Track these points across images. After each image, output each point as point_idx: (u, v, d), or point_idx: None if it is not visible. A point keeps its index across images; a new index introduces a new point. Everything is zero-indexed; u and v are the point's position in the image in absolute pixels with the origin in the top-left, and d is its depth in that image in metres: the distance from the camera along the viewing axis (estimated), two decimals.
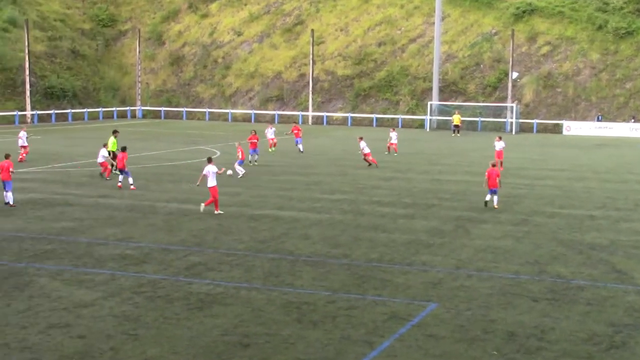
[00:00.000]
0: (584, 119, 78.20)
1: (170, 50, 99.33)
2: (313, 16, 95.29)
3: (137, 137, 64.64)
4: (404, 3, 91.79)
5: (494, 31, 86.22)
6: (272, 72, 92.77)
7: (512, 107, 78.34)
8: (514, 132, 76.42)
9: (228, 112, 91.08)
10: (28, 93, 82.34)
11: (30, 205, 31.01)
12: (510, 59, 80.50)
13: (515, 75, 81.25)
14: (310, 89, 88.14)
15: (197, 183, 31.43)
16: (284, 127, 68.76)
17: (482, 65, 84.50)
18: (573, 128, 76.56)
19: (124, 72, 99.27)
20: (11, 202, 30.62)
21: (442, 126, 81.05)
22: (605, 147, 62.64)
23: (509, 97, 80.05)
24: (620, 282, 20.53)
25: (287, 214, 29.80)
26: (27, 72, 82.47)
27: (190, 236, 25.54)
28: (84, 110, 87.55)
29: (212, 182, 29.53)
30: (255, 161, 46.08)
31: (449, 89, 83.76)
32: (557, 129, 77.85)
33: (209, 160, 30.28)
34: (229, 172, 40.37)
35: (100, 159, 39.45)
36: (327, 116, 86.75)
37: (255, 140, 46.07)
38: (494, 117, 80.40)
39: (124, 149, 36.58)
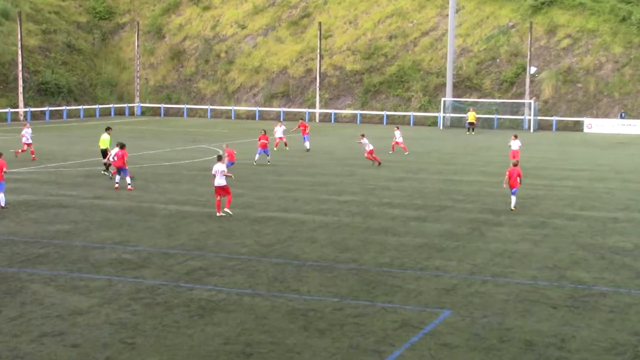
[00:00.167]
0: (605, 116, 78.02)
1: (171, 44, 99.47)
2: (320, 8, 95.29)
3: (136, 135, 64.72)
4: None
5: (511, 24, 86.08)
6: (278, 67, 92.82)
7: (530, 103, 78.22)
8: (532, 130, 76.31)
9: (231, 109, 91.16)
10: (21, 89, 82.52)
11: (22, 207, 31.05)
12: (528, 53, 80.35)
13: (533, 70, 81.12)
14: (318, 84, 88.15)
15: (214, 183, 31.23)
16: (289, 125, 68.73)
17: (498, 60, 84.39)
18: (594, 126, 76.38)
19: (122, 68, 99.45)
20: (3, 204, 30.65)
21: (456, 124, 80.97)
22: (629, 146, 62.47)
23: (527, 93, 79.92)
24: None
25: (292, 216, 29.77)
26: (20, 67, 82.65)
27: (191, 240, 25.53)
28: (80, 107, 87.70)
29: (219, 180, 29.51)
30: (268, 161, 46.28)
31: (463, 85, 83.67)
32: (577, 126, 77.69)
33: (219, 159, 30.25)
34: None
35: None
36: (335, 113, 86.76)
37: (265, 141, 46.31)
38: (511, 114, 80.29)
39: (122, 146, 36.57)
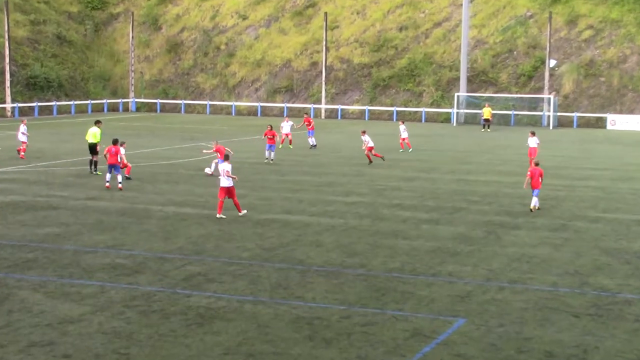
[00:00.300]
0: (630, 111, 77.88)
1: (167, 36, 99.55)
2: None
3: (130, 132, 64.77)
4: None
5: (529, 14, 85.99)
6: (281, 60, 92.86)
7: (549, 99, 78.12)
8: (551, 127, 76.23)
9: (231, 105, 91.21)
10: (8, 83, 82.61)
11: (10, 209, 31.08)
12: (548, 45, 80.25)
13: (553, 63, 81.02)
14: (324, 79, 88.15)
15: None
16: (295, 120, 68.65)
17: (515, 52, 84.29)
18: (618, 122, 76.26)
19: (116, 61, 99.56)
20: None
21: (470, 120, 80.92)
22: None
23: (546, 87, 79.82)
24: None
25: (296, 219, 29.76)
26: (7, 59, 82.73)
27: (189, 243, 25.52)
28: (71, 102, 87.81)
29: (224, 181, 29.52)
30: (272, 159, 46.40)
31: (478, 79, 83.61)
32: (600, 123, 77.59)
33: (226, 158, 30.23)
34: (207, 170, 40.93)
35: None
36: (341, 109, 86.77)
37: (272, 136, 46.59)
38: (529, 110, 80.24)
39: (115, 142, 36.60)
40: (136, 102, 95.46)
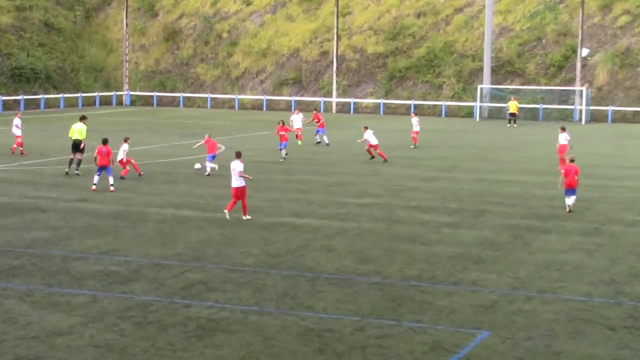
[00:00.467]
0: None
1: (165, 23, 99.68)
2: None
3: (124, 128, 64.85)
4: None
5: None
6: (288, 49, 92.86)
7: (581, 91, 77.95)
8: (583, 122, 76.08)
9: (234, 98, 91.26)
10: None
11: None
12: (580, 33, 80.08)
13: (585, 52, 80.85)
14: (335, 69, 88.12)
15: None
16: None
17: (544, 41, 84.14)
18: None
19: (109, 50, 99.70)
20: None
21: (494, 115, 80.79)
22: None
23: (578, 79, 79.65)
24: None
25: (305, 222, 29.76)
26: None
27: (188, 249, 25.54)
28: (60, 95, 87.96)
29: (235, 181, 29.57)
30: (283, 157, 46.80)
31: (503, 70, 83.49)
32: (637, 117, 77.40)
33: (237, 155, 30.24)
34: (197, 165, 41.10)
35: (121, 155, 39.70)
36: (354, 103, 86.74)
37: (284, 132, 47.08)
38: (559, 103, 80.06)
39: (105, 142, 36.63)
40: (131, 95, 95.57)
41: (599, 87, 80.00)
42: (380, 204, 33.61)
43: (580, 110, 77.49)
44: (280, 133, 47.03)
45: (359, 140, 47.43)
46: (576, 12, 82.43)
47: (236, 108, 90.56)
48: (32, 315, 18.93)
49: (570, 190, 31.85)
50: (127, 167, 39.55)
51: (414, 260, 24.34)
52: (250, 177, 30.80)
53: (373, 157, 46.52)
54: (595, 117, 78.10)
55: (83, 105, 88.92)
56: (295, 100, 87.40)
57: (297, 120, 54.87)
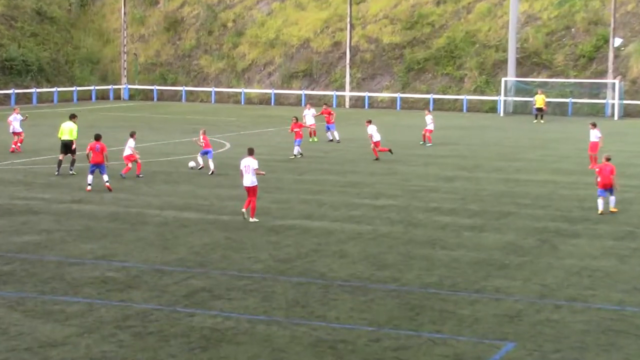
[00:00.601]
0: None
1: (165, 12, 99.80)
2: None
3: (122, 124, 64.97)
4: None
5: None
6: (298, 39, 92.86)
7: (613, 84, 77.75)
8: (616, 117, 75.89)
9: (240, 92, 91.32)
10: None
11: None
12: (612, 21, 79.89)
13: (618, 42, 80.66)
14: (348, 61, 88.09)
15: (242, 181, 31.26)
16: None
17: (573, 30, 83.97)
18: None
19: (105, 41, 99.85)
20: None
21: (520, 110, 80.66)
22: None
23: (610, 71, 79.46)
24: None
25: (317, 225, 29.76)
26: None
27: (192, 254, 25.56)
28: (53, 89, 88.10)
29: (247, 180, 29.67)
30: (295, 154, 47.14)
31: (529, 61, 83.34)
32: None
33: (250, 152, 30.30)
34: (192, 163, 41.26)
35: (127, 152, 39.88)
36: (369, 97, 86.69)
37: (298, 129, 47.46)
38: (590, 97, 79.89)
39: (98, 138, 36.66)
40: (129, 88, 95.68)
41: (632, 80, 79.80)
42: (397, 205, 33.59)
43: (613, 105, 77.29)
44: (295, 130, 47.21)
45: (373, 142, 47.19)
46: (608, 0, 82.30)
47: (242, 103, 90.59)
48: (24, 325, 18.96)
49: (606, 190, 31.76)
50: (130, 165, 39.69)
51: (433, 266, 24.31)
52: (263, 173, 30.88)
53: (377, 156, 46.45)
54: (628, 112, 77.90)
55: (78, 99, 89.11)
56: (305, 95, 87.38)
57: (310, 115, 54.98)
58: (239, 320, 19.36)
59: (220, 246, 26.53)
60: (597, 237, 28.41)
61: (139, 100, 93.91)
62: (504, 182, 39.62)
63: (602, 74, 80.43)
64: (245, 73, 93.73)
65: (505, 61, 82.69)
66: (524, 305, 20.81)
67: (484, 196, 35.95)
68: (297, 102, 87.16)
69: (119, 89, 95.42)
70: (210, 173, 40.67)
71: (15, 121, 49.56)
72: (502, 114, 79.54)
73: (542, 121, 72.86)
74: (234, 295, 21.28)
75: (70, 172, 40.11)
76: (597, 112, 78.16)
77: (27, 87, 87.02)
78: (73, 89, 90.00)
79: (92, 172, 36.13)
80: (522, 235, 28.42)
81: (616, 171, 32.19)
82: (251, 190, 29.90)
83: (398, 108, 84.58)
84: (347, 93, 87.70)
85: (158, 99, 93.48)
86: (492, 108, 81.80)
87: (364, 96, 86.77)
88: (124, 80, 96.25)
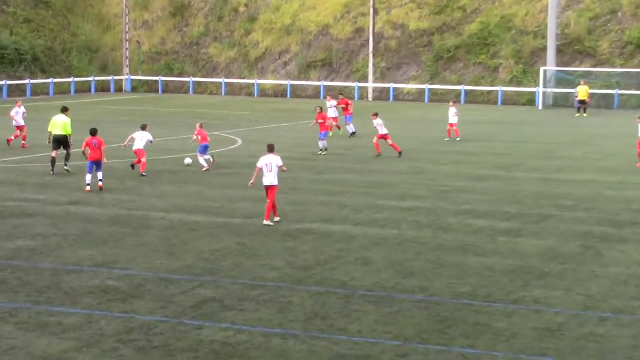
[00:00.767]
0: None
1: None
2: None
3: (124, 118, 65.10)
4: None
5: None
6: (316, 26, 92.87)
7: None
8: None
9: (253, 83, 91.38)
10: None
11: None
12: None
13: None
14: (371, 49, 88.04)
15: (251, 182, 31.26)
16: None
17: (620, 14, 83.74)
18: None
19: (106, 27, 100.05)
20: None
21: (561, 102, 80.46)
22: None
23: None
24: None
25: (337, 229, 29.75)
26: None
27: (200, 260, 25.57)
28: (49, 80, 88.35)
29: (270, 179, 29.74)
30: (326, 149, 47.55)
31: (571, 49, 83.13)
32: None
33: (270, 149, 30.33)
34: (188, 160, 41.50)
35: (138, 145, 40.12)
36: (394, 89, 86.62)
37: (323, 120, 47.93)
38: (638, 88, 79.59)
39: (94, 132, 36.67)
40: (132, 80, 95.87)
41: None
42: (426, 208, 33.54)
43: None
44: (320, 121, 47.39)
45: (378, 135, 47.15)
46: None
47: (255, 95, 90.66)
48: (17, 338, 18.99)
49: None
50: (143, 160, 39.94)
51: (465, 275, 24.26)
52: (285, 169, 30.89)
53: (400, 153, 46.46)
54: None
55: (76, 92, 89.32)
56: (324, 86, 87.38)
57: (332, 109, 55.09)
58: (252, 334, 19.36)
59: (231, 252, 26.54)
60: None
61: (143, 93, 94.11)
62: (543, 182, 39.52)
63: None
64: (259, 63, 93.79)
65: (544, 49, 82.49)
66: (566, 318, 20.75)
67: (522, 198, 35.86)
68: (315, 94, 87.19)
69: (121, 80, 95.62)
70: (204, 170, 40.93)
71: (17, 115, 50.15)
72: (540, 107, 79.37)
73: (585, 115, 72.67)
74: (247, 307, 21.27)
75: (65, 169, 40.20)
76: None
77: (20, 78, 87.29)
78: (70, 80, 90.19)
79: (90, 171, 36.18)
80: (564, 241, 28.34)
81: None
82: (272, 190, 29.92)
83: (426, 101, 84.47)
84: (370, 84, 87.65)
85: (163, 91, 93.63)
86: (530, 101, 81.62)
87: (389, 88, 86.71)
88: (126, 70, 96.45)
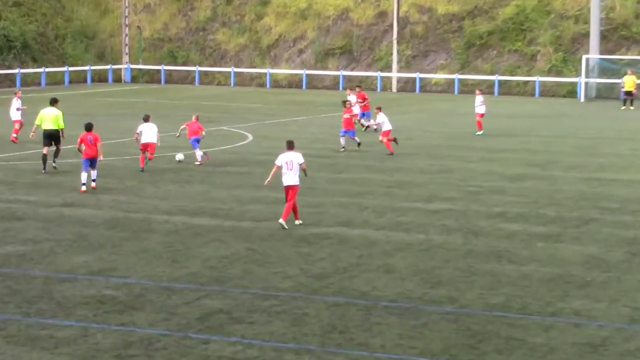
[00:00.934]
0: None
1: None
2: None
3: (123, 111, 65.20)
4: None
5: None
6: (335, 10, 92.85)
7: None
8: None
9: (265, 73, 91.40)
10: None
11: None
12: None
13: None
14: (395, 35, 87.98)
15: (268, 180, 31.31)
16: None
17: None
18: None
19: (103, 11, 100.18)
20: None
21: (605, 94, 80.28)
22: None
23: None
24: None
25: (357, 234, 29.75)
26: None
27: (206, 268, 25.59)
28: (41, 69, 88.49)
29: (290, 178, 29.85)
30: (343, 147, 47.70)
31: (616, 35, 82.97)
32: None
33: (290, 146, 30.41)
34: (180, 156, 41.78)
35: (150, 138, 40.64)
36: (420, 79, 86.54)
37: (349, 116, 47.96)
38: None
39: (90, 128, 36.72)
40: (132, 69, 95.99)
41: None
42: (454, 210, 33.53)
43: None
44: (345, 116, 47.57)
45: (382, 131, 47.08)
46: None
47: (267, 86, 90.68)
48: (5, 352, 19.04)
49: None
50: (150, 154, 40.33)
51: (498, 284, 24.24)
52: (305, 167, 30.90)
53: (392, 152, 46.46)
54: None
55: (70, 82, 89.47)
56: (343, 76, 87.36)
57: (353, 100, 54.99)
58: (263, 349, 19.37)
59: (240, 259, 26.55)
60: None
61: (144, 83, 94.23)
62: (584, 182, 39.46)
63: None
64: (271, 50, 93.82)
65: (586, 35, 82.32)
66: (610, 331, 20.71)
67: (560, 199, 35.81)
68: (333, 85, 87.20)
69: (120, 69, 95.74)
70: (196, 164, 41.33)
71: (15, 107, 50.69)
72: (582, 99, 79.22)
73: (631, 107, 72.51)
74: (257, 319, 21.29)
75: (53, 166, 40.27)
76: None
77: (9, 67, 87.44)
78: (64, 69, 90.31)
79: (86, 169, 36.22)
80: (607, 247, 28.29)
81: None
82: (292, 190, 30.00)
83: (456, 92, 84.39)
84: (394, 74, 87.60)
85: (166, 82, 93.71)
86: (571, 92, 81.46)
87: (415, 78, 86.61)
88: (126, 59, 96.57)
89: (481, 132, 53.66)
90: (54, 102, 41.86)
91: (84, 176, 36.17)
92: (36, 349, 19.24)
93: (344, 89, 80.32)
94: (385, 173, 41.34)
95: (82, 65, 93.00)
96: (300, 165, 30.15)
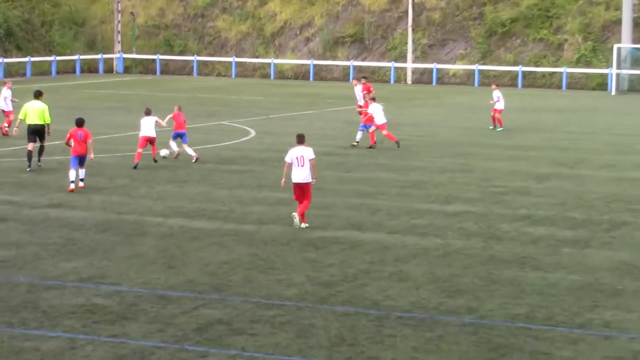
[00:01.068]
0: None
1: None
2: None
3: (115, 104, 65.22)
4: None
5: None
6: None
7: None
8: None
9: (269, 63, 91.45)
10: None
11: None
12: None
13: None
14: (410, 23, 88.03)
15: (283, 180, 31.25)
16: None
17: None
18: None
19: None
20: None
21: (638, 86, 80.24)
22: None
23: None
24: None
25: (369, 238, 29.75)
26: None
27: (204, 275, 25.60)
28: (26, 59, 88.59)
29: (301, 174, 29.98)
30: (357, 142, 47.97)
31: None
32: None
33: (300, 140, 30.44)
34: (164, 152, 41.93)
35: (148, 132, 40.77)
36: (438, 69, 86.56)
37: (367, 109, 48.11)
38: None
39: (81, 123, 36.73)
40: (124, 58, 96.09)
41: None
42: (475, 212, 33.52)
43: None
44: (364, 109, 47.75)
45: (377, 125, 47.19)
46: None
47: (272, 77, 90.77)
48: None
49: None
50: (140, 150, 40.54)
51: (522, 293, 24.22)
52: (314, 163, 30.90)
53: (397, 142, 46.59)
54: None
55: (58, 72, 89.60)
56: (354, 67, 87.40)
57: (358, 92, 54.82)
58: None
59: (241, 265, 26.55)
60: None
61: (137, 74, 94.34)
62: (616, 182, 39.44)
63: None
64: (276, 38, 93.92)
65: (618, 22, 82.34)
66: None
67: (590, 201, 35.80)
68: (343, 76, 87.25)
69: (111, 59, 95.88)
70: (194, 161, 41.32)
71: (4, 99, 51.23)
72: (613, 92, 79.20)
73: None
74: (260, 330, 21.29)
75: (38, 165, 40.31)
76: None
77: None
78: (51, 58, 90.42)
79: (75, 167, 36.23)
80: None
81: None
82: (304, 189, 30.03)
83: (476, 84, 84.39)
84: (409, 64, 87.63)
85: (162, 72, 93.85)
86: (601, 84, 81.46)
87: (432, 68, 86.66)
88: (118, 47, 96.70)
89: (501, 129, 53.62)
90: (38, 95, 41.75)
91: (72, 174, 36.13)
92: None
93: (355, 77, 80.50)
94: (400, 172, 41.34)
95: (71, 54, 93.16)
96: (310, 161, 30.14)
